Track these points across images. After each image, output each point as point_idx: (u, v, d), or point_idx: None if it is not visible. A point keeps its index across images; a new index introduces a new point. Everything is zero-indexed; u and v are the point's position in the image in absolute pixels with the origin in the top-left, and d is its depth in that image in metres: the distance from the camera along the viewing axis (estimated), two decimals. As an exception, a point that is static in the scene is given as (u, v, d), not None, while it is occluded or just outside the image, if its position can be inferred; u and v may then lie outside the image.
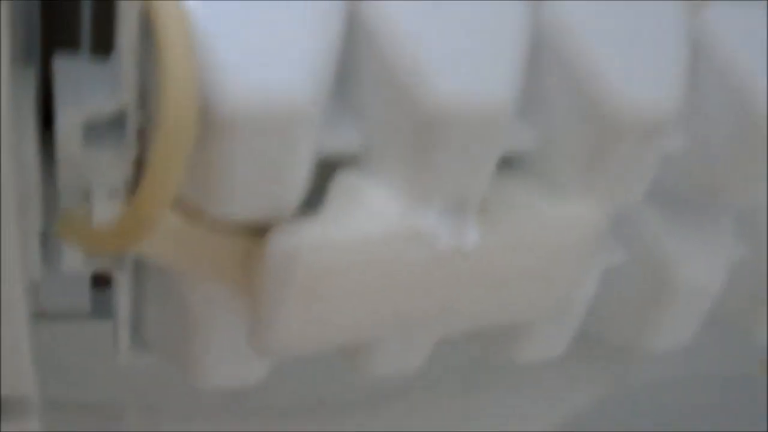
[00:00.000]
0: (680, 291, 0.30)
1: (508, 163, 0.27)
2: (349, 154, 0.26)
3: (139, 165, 0.26)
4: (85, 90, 0.25)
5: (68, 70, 0.26)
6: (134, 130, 0.26)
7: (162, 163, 0.22)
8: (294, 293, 0.25)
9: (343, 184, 0.26)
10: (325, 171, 0.26)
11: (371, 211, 0.25)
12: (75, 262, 0.28)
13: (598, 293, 0.30)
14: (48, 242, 0.28)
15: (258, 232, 0.26)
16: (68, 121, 0.25)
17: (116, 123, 0.26)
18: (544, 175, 0.27)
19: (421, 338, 0.28)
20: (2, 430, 0.27)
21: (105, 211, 0.26)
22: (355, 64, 0.25)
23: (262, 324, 0.26)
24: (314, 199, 0.26)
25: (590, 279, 0.30)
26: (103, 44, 0.27)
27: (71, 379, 0.33)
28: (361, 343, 0.28)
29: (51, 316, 0.31)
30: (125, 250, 0.24)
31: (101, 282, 0.35)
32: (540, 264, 0.27)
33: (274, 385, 0.35)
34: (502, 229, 0.26)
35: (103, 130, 0.26)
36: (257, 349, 0.26)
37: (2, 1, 0.21)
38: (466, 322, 0.28)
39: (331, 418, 0.35)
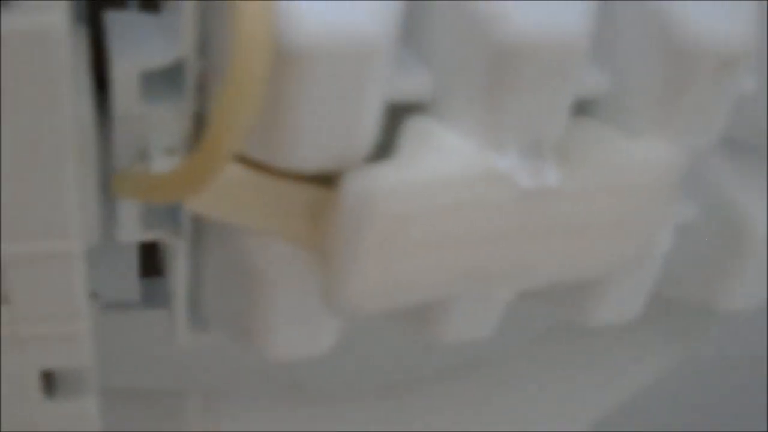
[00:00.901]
0: (756, 243, 0.29)
1: (581, 112, 0.26)
2: (419, 102, 0.25)
3: (198, 121, 0.25)
4: (140, 41, 0.24)
5: (121, 23, 0.25)
6: (193, 82, 0.25)
7: (234, 96, 0.21)
8: (369, 241, 0.24)
9: (415, 128, 0.24)
10: (394, 121, 0.25)
11: (447, 153, 0.24)
12: (130, 231, 0.27)
13: (671, 251, 0.29)
14: (103, 214, 0.27)
15: (327, 182, 0.25)
16: (124, 73, 0.24)
17: (173, 78, 0.25)
18: (620, 118, 0.25)
19: (497, 295, 0.27)
20: (56, 408, 0.26)
21: (163, 168, 0.24)
22: (427, 6, 0.24)
23: (336, 277, 0.24)
24: (382, 151, 0.25)
25: (664, 234, 0.29)
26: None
27: (127, 368, 0.31)
28: (436, 299, 0.26)
29: (101, 306, 0.30)
30: (190, 195, 0.22)
31: (151, 272, 0.34)
32: (620, 209, 0.26)
33: (337, 367, 0.33)
34: (580, 172, 0.25)
35: (160, 85, 0.25)
36: (332, 307, 0.25)
37: None
38: (544, 275, 0.26)
39: (397, 400, 0.33)
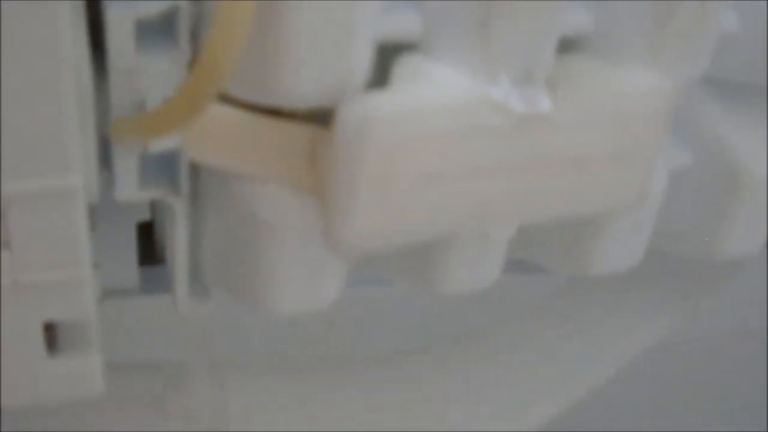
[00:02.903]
0: (752, 184, 0.29)
1: (567, 50, 0.27)
2: (409, 41, 0.25)
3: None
4: (134, -10, 0.25)
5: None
6: (187, 30, 0.25)
7: (228, 13, 0.21)
8: (367, 172, 0.24)
9: (407, 63, 0.25)
10: (386, 64, 0.26)
11: (441, 83, 0.24)
12: (128, 189, 0.27)
13: (667, 200, 0.29)
14: (101, 175, 0.27)
15: (321, 120, 0.25)
16: (119, 21, 0.24)
17: (167, 31, 0.25)
18: (607, 52, 0.26)
19: (497, 233, 0.27)
20: (59, 365, 0.25)
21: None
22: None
23: (336, 215, 0.24)
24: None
25: (660, 175, 0.29)
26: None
27: (129, 344, 0.31)
28: (437, 236, 0.26)
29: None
30: (192, 117, 0.23)
31: (148, 260, 0.34)
32: (615, 140, 0.26)
33: (341, 334, 0.33)
34: (572, 101, 0.25)
35: (155, 38, 0.25)
36: (333, 247, 0.25)
37: None
38: (543, 211, 0.26)
39: (402, 366, 0.33)
